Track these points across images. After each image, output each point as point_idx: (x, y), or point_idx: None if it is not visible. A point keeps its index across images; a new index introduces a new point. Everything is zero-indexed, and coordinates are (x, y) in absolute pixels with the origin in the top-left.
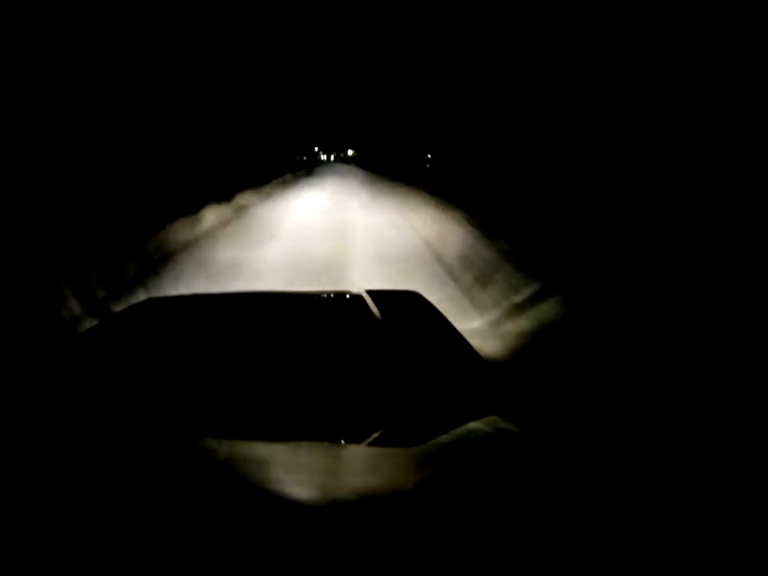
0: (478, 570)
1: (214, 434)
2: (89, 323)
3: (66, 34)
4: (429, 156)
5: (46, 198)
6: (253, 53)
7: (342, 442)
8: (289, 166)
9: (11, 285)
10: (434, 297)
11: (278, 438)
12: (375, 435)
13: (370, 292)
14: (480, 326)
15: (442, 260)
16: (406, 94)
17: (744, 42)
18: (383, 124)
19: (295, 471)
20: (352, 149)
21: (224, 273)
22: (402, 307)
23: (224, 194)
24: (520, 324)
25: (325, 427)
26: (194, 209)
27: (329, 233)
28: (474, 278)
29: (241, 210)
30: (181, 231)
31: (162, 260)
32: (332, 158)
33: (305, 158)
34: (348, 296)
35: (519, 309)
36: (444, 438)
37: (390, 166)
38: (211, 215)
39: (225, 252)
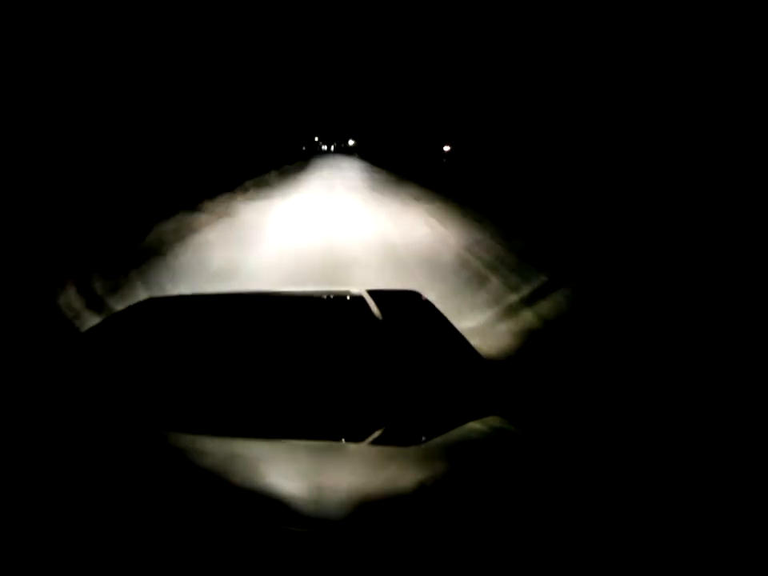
0: (479, 569)
1: (216, 432)
2: (90, 321)
3: (66, 34)
4: (446, 149)
5: (46, 198)
6: (254, 44)
7: (343, 440)
8: (287, 158)
9: (11, 285)
10: (433, 295)
11: (279, 436)
12: (376, 434)
13: (370, 292)
14: (480, 323)
15: (442, 257)
16: (412, 85)
17: (744, 41)
18: (389, 112)
19: (296, 470)
20: (353, 138)
21: (223, 272)
22: (403, 307)
23: (222, 190)
24: (521, 322)
25: (326, 426)
26: (192, 205)
27: (328, 232)
28: (475, 275)
29: (238, 207)
30: (180, 228)
31: (161, 257)
32: (332, 147)
33: (304, 147)
34: (348, 296)
35: (521, 305)
36: (444, 438)
37: (395, 157)
38: (210, 212)
39: (224, 252)
